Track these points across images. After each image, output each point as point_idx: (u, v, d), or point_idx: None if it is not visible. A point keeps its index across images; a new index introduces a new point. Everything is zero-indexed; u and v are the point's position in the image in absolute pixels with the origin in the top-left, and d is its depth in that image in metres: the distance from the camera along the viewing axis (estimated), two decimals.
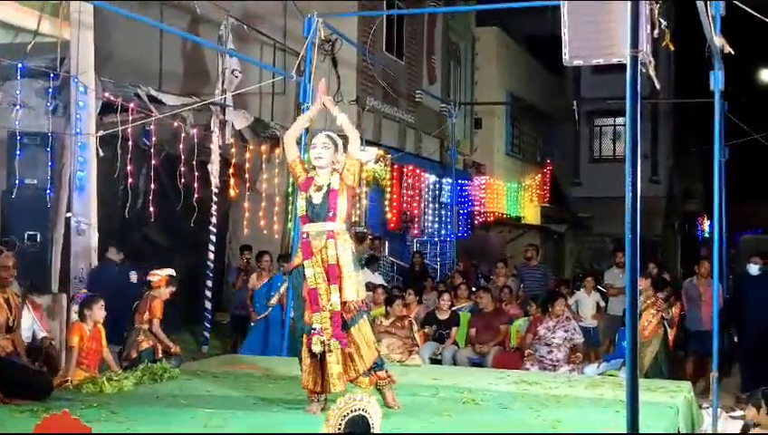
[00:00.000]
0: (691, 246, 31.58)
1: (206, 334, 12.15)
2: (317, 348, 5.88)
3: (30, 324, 7.42)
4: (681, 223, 32.99)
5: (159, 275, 8.59)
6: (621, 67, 3.97)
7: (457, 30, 21.35)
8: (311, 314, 5.97)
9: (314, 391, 6.04)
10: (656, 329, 9.61)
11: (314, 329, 5.91)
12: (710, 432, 7.58)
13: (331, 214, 5.99)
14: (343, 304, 5.94)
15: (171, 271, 8.70)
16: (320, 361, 5.98)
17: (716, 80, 8.07)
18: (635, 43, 3.69)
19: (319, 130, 6.53)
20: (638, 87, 3.75)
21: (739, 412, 8.05)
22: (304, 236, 6.09)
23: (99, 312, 7.65)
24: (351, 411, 3.61)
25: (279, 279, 10.84)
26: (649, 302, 9.66)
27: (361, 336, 6.02)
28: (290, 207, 12.99)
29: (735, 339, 10.66)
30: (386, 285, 12.86)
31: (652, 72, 3.93)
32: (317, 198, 6.05)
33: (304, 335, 6.02)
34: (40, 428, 3.70)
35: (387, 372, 6.25)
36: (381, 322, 9.98)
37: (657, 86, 4.63)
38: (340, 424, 3.60)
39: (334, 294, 5.92)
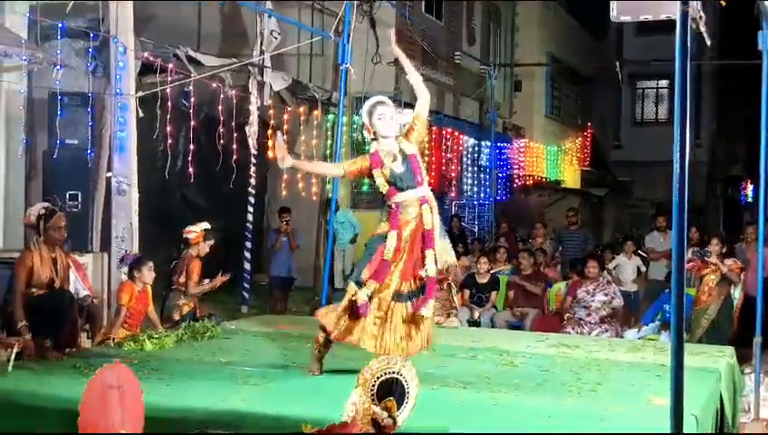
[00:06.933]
0: (734, 211, 31.12)
1: (245, 295, 12.24)
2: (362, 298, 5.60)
3: (72, 283, 7.53)
4: (723, 187, 32.48)
5: (195, 231, 8.48)
6: (665, 28, 3.84)
7: None
8: (374, 283, 5.66)
9: (335, 339, 5.81)
10: (715, 296, 9.42)
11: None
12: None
13: (419, 178, 5.75)
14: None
15: (206, 224, 8.57)
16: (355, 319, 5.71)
17: (765, 39, 7.82)
18: None
19: (365, 95, 6.22)
20: (688, 44, 3.63)
21: None
22: (393, 207, 5.78)
23: (148, 273, 7.73)
24: (386, 374, 3.41)
25: None
26: (713, 265, 9.45)
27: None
28: None
29: None
30: None
31: (703, 29, 3.79)
32: (398, 167, 5.75)
33: (359, 295, 5.65)
34: (94, 381, 3.59)
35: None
36: None
37: (708, 43, 4.49)
38: (373, 386, 3.39)
39: (430, 260, 5.73)
